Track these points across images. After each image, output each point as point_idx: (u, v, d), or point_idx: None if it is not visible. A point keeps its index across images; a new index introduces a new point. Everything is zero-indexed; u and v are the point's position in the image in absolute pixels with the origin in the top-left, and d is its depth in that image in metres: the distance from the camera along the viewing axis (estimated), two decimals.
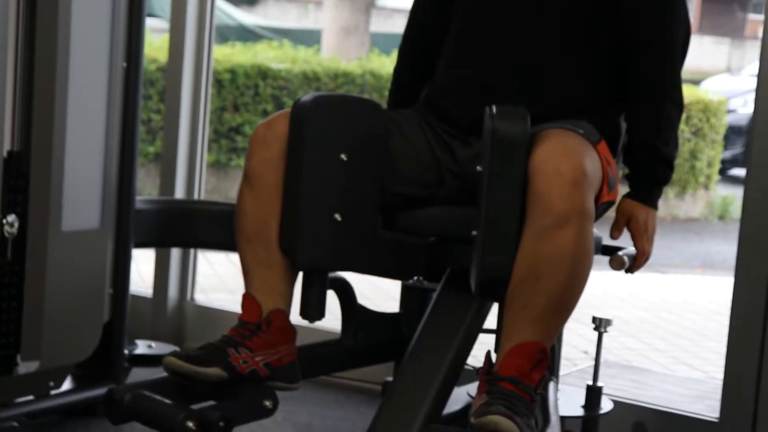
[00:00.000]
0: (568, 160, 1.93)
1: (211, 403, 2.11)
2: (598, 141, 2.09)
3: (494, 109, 1.94)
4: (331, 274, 2.42)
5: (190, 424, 1.95)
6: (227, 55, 7.61)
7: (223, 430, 1.98)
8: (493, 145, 1.92)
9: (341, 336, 2.46)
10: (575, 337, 3.63)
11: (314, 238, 2.06)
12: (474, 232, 1.97)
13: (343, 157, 2.06)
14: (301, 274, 2.16)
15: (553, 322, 1.94)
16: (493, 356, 1.99)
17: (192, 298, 3.55)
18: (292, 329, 2.13)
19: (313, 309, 2.13)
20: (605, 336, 2.38)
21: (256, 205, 2.11)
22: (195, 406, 2.04)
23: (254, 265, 2.12)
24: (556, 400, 2.08)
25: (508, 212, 1.92)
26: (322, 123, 2.06)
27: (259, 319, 2.09)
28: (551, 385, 2.09)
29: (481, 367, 1.97)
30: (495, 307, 2.35)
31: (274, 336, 2.09)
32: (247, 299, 2.12)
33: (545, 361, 1.93)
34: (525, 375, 1.90)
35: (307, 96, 2.08)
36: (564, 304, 1.94)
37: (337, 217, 2.06)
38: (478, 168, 1.98)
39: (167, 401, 2.00)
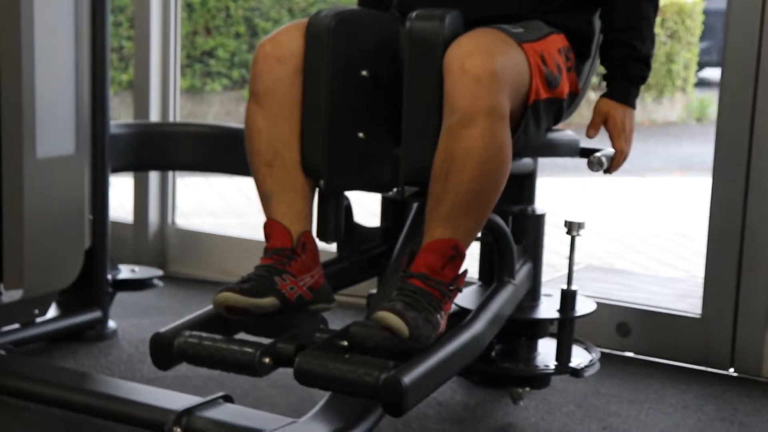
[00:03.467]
0: (474, 58, 1.90)
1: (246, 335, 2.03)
2: (539, 38, 2.05)
3: (415, 12, 1.96)
4: None
5: (267, 359, 1.88)
6: None
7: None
8: (410, 45, 1.94)
9: (338, 254, 2.35)
10: (561, 244, 3.65)
11: (340, 159, 2.01)
12: None
13: (365, 73, 2.02)
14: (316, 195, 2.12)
15: (464, 219, 1.93)
16: None
17: (173, 222, 3.55)
18: (318, 251, 2.08)
19: (331, 230, 2.10)
20: (584, 239, 2.38)
21: (272, 127, 2.02)
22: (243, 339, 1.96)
23: (276, 189, 2.03)
24: (504, 299, 2.13)
25: (425, 112, 1.93)
26: (343, 39, 2.00)
27: (291, 244, 2.02)
28: (508, 287, 2.16)
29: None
30: None
31: (309, 259, 2.03)
32: (274, 225, 2.03)
33: (459, 258, 1.93)
34: (435, 271, 1.90)
35: (324, 11, 2.03)
36: (474, 202, 1.93)
37: (361, 135, 2.03)
38: None
39: (221, 337, 1.91)
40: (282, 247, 2.01)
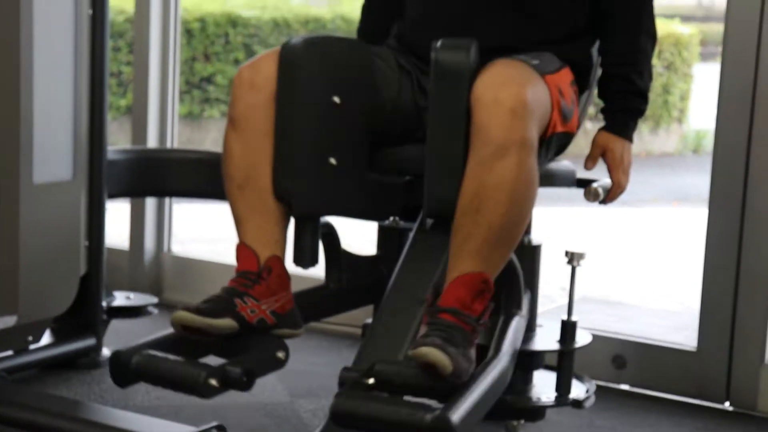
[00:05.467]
0: (507, 90, 1.91)
1: (215, 357, 2.03)
2: (555, 71, 2.07)
3: (439, 41, 1.94)
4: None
5: (213, 381, 1.86)
6: (196, 3, 7.53)
7: (245, 385, 1.91)
8: (435, 76, 1.91)
9: (326, 281, 2.42)
10: (554, 274, 3.65)
11: (311, 184, 2.03)
12: None
13: (336, 99, 2.03)
14: (293, 222, 2.13)
15: (494, 252, 1.93)
16: None
17: (169, 249, 3.54)
18: (288, 276, 2.10)
19: (307, 255, 2.10)
20: (581, 270, 2.38)
21: (246, 151, 2.05)
22: (203, 362, 1.97)
23: (247, 213, 2.06)
24: (516, 331, 2.09)
25: (452, 144, 1.91)
26: (314, 65, 2.02)
27: (258, 268, 2.04)
28: (516, 319, 2.11)
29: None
30: None
31: (275, 283, 2.05)
32: (243, 249, 2.06)
33: (487, 291, 1.93)
34: (466, 306, 1.89)
35: (296, 38, 2.05)
36: (505, 235, 1.94)
37: (332, 161, 2.03)
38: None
39: (180, 359, 1.91)
40: (247, 270, 2.04)
